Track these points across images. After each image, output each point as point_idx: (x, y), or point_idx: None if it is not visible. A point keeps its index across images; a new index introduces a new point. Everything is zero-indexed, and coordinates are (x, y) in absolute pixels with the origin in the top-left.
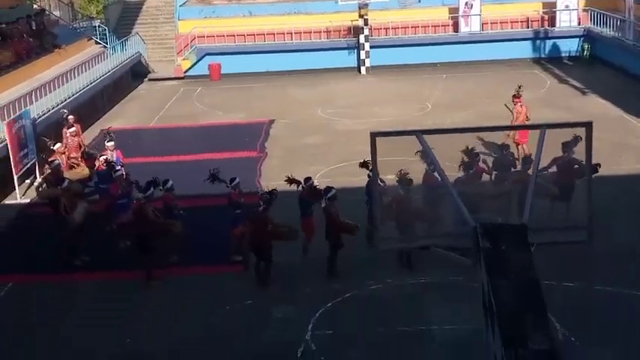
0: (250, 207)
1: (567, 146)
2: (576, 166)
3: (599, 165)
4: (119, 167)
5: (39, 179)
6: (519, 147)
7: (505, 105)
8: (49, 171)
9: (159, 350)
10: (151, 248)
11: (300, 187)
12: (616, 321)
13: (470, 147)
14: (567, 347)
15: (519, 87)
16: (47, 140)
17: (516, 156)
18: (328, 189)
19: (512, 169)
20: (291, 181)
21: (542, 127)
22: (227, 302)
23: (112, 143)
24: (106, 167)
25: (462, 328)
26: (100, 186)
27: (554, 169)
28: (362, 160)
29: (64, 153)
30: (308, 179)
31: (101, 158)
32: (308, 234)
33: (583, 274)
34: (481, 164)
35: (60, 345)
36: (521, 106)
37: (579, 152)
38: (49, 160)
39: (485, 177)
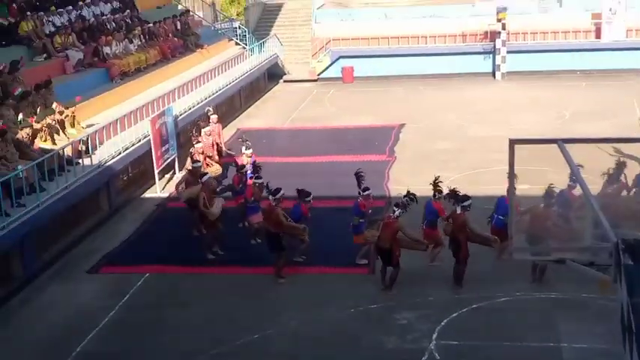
0: (376, 211)
1: None
2: None
3: None
4: (259, 175)
5: (178, 174)
6: None
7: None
8: (189, 170)
9: (283, 347)
10: (281, 247)
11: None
12: None
13: (621, 159)
14: None
15: None
16: (194, 134)
17: None
18: (465, 197)
19: None
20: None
21: None
22: (352, 304)
23: (250, 151)
24: (253, 169)
25: (593, 347)
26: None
27: None
28: (433, 182)
29: (202, 152)
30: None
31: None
32: (435, 244)
33: None
34: (622, 178)
35: (190, 333)
36: None
37: None
38: (193, 159)
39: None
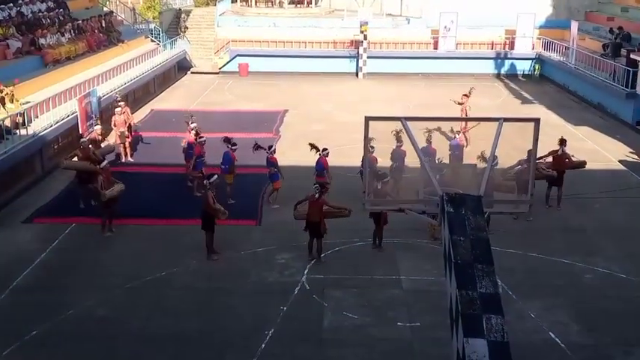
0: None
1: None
2: (567, 159)
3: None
4: (202, 137)
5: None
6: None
7: (452, 100)
8: (81, 147)
9: (185, 281)
10: (212, 226)
11: (318, 154)
12: (545, 281)
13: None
14: (505, 299)
15: (471, 89)
16: (190, 116)
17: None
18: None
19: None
20: (312, 146)
21: (500, 120)
22: (242, 248)
23: (194, 125)
24: (195, 135)
25: (424, 279)
26: (189, 151)
27: (549, 159)
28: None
29: (102, 134)
30: (325, 149)
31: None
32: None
33: (520, 244)
34: (433, 146)
35: (107, 272)
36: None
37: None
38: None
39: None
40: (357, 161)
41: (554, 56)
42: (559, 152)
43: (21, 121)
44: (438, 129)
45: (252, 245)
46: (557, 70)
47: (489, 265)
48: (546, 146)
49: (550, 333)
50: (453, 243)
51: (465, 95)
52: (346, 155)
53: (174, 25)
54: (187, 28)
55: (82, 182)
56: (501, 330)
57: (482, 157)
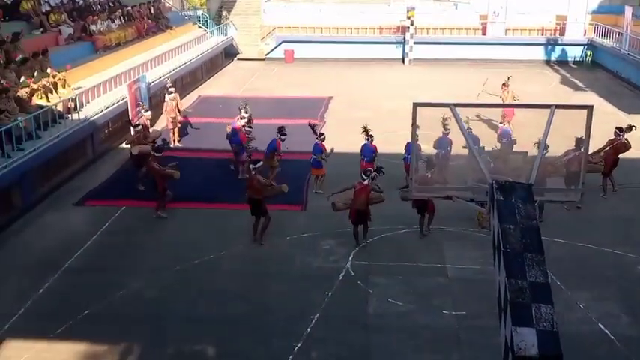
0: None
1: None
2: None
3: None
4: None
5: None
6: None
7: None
8: (136, 132)
9: (232, 265)
10: (264, 211)
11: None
12: (594, 271)
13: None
14: (553, 289)
15: (508, 77)
16: (245, 104)
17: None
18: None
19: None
20: (365, 130)
21: (552, 106)
22: (288, 233)
23: (247, 113)
24: (246, 124)
25: (470, 267)
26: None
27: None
28: (363, 126)
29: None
30: (371, 136)
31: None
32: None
33: (569, 234)
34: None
35: (157, 254)
36: (507, 92)
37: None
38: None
39: None
40: (401, 148)
41: (607, 42)
42: (619, 139)
43: (73, 106)
44: (478, 116)
45: (297, 231)
46: (610, 56)
47: (539, 254)
48: (597, 135)
49: (599, 324)
50: (502, 231)
51: (504, 85)
52: (392, 142)
53: (221, 12)
54: (227, 17)
55: (138, 166)
56: (551, 319)
57: (538, 144)
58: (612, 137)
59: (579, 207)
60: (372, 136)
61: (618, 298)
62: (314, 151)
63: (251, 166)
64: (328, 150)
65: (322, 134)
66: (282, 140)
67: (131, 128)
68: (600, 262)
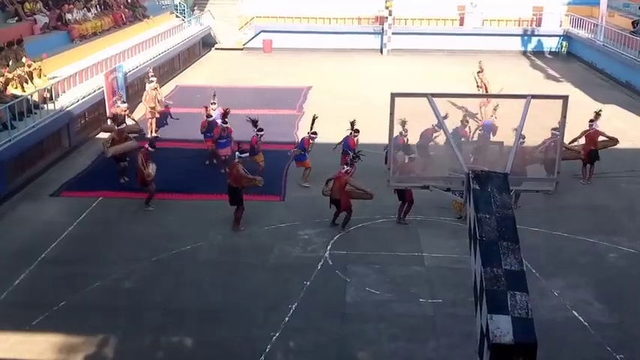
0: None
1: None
2: (600, 136)
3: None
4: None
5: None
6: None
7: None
8: (117, 129)
9: (210, 255)
10: (240, 200)
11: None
12: (569, 259)
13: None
14: (528, 277)
15: (479, 62)
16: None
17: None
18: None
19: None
20: (352, 125)
21: (528, 96)
22: (266, 223)
23: (215, 105)
24: (223, 116)
25: (446, 256)
26: (207, 133)
27: (583, 140)
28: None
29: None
30: (357, 131)
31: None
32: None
33: (545, 222)
34: (465, 129)
35: (134, 244)
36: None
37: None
38: (118, 120)
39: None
40: (381, 139)
41: (582, 33)
42: (593, 128)
43: (48, 96)
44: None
45: (275, 221)
46: (585, 47)
47: (515, 243)
48: (573, 124)
49: (573, 311)
50: (478, 220)
51: (479, 72)
52: (372, 132)
53: (199, 1)
54: (196, 7)
55: (118, 160)
56: (526, 307)
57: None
58: (586, 128)
59: (550, 193)
60: (357, 131)
61: (592, 286)
62: (300, 145)
63: (237, 154)
64: (292, 150)
65: (262, 130)
66: (259, 136)
67: (108, 120)
68: (574, 250)
